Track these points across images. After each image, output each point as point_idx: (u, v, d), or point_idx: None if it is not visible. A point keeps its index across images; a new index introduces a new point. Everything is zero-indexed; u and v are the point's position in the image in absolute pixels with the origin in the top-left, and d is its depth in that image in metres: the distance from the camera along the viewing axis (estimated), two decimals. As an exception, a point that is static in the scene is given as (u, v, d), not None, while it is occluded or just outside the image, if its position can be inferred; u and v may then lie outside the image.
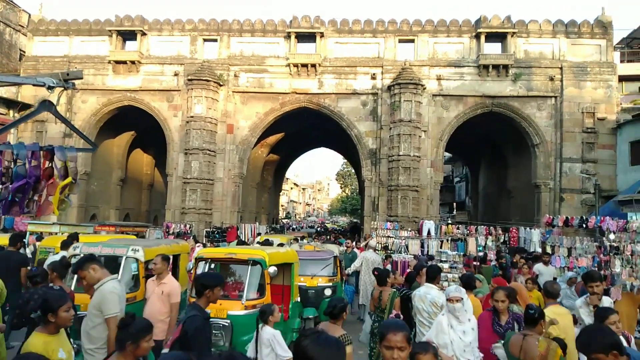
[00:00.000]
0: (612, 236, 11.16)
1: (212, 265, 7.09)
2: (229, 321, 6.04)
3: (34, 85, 3.99)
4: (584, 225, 12.24)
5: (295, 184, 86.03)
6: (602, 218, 11.57)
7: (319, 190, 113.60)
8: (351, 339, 4.11)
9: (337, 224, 65.29)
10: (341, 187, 73.89)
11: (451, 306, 4.55)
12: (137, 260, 6.65)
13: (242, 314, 6.09)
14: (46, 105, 4.30)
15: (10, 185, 3.86)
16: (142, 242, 7.69)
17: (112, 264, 7.04)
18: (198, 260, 6.72)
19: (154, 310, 5.71)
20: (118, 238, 10.82)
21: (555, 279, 8.88)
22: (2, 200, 3.85)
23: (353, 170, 46.60)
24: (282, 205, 63.31)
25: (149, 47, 22.73)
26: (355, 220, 49.58)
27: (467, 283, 5.89)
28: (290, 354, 4.47)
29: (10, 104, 22.00)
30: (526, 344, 3.88)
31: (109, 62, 22.34)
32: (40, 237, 11.83)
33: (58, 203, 4.05)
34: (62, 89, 4.10)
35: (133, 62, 22.19)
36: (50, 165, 4.16)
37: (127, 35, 22.82)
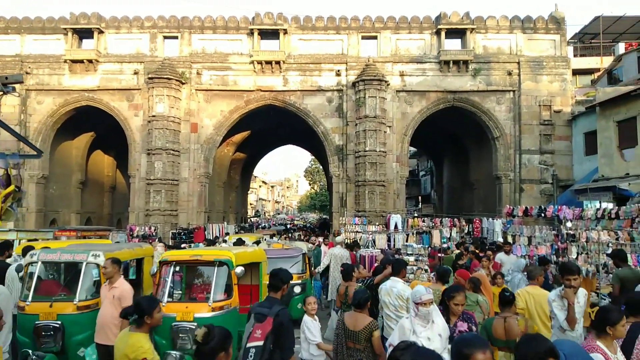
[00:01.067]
0: (569, 224, 11.65)
1: (177, 268, 6.95)
2: (195, 324, 5.95)
3: None
4: (543, 215, 12.71)
5: (263, 181, 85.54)
6: (559, 207, 12.05)
7: (287, 187, 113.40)
8: (378, 325, 4.50)
9: (307, 220, 65.36)
10: (310, 184, 74.03)
11: (423, 310, 4.11)
12: (97, 265, 6.45)
13: (209, 316, 6.01)
14: None
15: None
16: (103, 246, 7.46)
17: (72, 270, 6.83)
18: (163, 263, 6.57)
19: (106, 315, 5.53)
20: (79, 243, 10.47)
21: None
22: None
23: (321, 167, 46.70)
24: (250, 204, 62.82)
25: (107, 46, 22.03)
26: (324, 217, 49.76)
27: (442, 276, 5.99)
28: (319, 339, 5.16)
29: (-42, 106, 20.88)
30: (509, 325, 4.45)
31: (65, 61, 21.53)
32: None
33: (0, 212, 3.89)
34: (1, 93, 3.94)
35: (90, 61, 21.46)
36: None
37: (84, 34, 22.04)
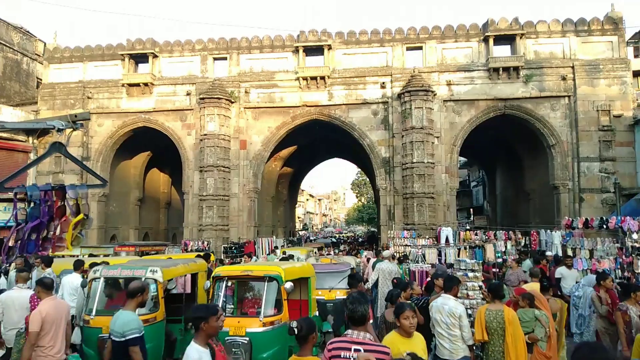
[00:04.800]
0: (634, 236, 10.91)
1: (229, 283, 7.13)
2: (247, 339, 6.06)
3: (43, 129, 4.16)
4: (605, 226, 11.99)
5: (310, 195, 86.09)
6: (622, 218, 11.33)
7: (334, 200, 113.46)
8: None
9: (356, 233, 65.00)
10: (357, 197, 73.68)
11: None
12: (155, 281, 6.72)
13: (260, 331, 6.12)
14: (56, 147, 4.42)
15: (25, 226, 3.98)
16: (160, 262, 7.77)
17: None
18: (215, 278, 6.77)
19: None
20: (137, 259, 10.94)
21: (577, 282, 8.72)
22: (19, 241, 3.97)
23: (368, 179, 46.45)
24: (298, 217, 63.35)
25: (161, 69, 23.18)
26: (372, 229, 49.30)
27: (496, 291, 5.78)
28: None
29: (29, 131, 22.59)
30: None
31: (123, 85, 22.83)
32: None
33: (71, 239, 4.17)
34: (71, 130, 4.23)
35: (146, 84, 22.64)
36: (62, 203, 4.26)
37: (139, 58, 23.32)
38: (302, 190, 64.17)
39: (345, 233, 65.98)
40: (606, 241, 11.48)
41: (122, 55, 22.98)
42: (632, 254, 9.69)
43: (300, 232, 49.23)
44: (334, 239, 44.02)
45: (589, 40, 20.86)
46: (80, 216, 4.23)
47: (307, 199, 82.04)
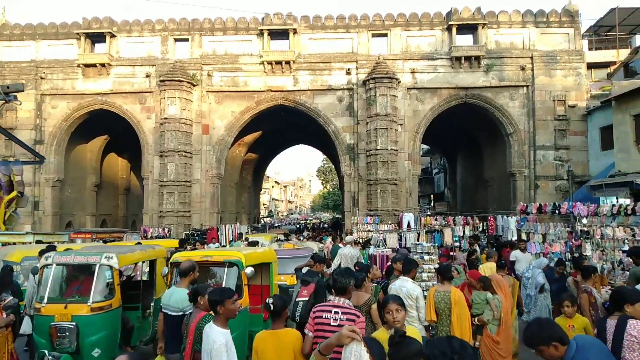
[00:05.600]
0: (584, 221, 11.44)
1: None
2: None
3: None
4: (557, 212, 12.52)
5: (276, 181, 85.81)
6: (573, 204, 11.85)
7: (300, 187, 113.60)
8: (375, 300, 5.35)
9: (321, 219, 65.38)
10: (322, 183, 74.00)
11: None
12: (111, 267, 6.52)
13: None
14: None
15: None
16: (116, 248, 7.54)
17: (85, 272, 6.91)
18: (173, 264, 6.62)
19: None
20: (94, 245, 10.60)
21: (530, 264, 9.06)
22: None
23: (333, 166, 46.66)
24: (263, 204, 63.05)
25: (119, 49, 22.29)
26: (337, 216, 49.71)
27: (444, 273, 5.92)
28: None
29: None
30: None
31: (78, 65, 21.84)
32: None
33: (4, 218, 3.96)
34: (2, 102, 4.00)
35: (103, 65, 21.73)
36: None
37: (96, 38, 22.32)
38: (268, 177, 63.82)
39: (311, 220, 66.29)
40: (558, 225, 12.00)
41: (78, 34, 21.93)
42: (581, 237, 10.17)
43: (265, 219, 49.07)
44: (298, 226, 44.15)
45: (547, 31, 21.49)
46: (14, 193, 4.03)
47: (273, 186, 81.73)
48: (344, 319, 3.75)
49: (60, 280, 6.79)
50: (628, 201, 12.32)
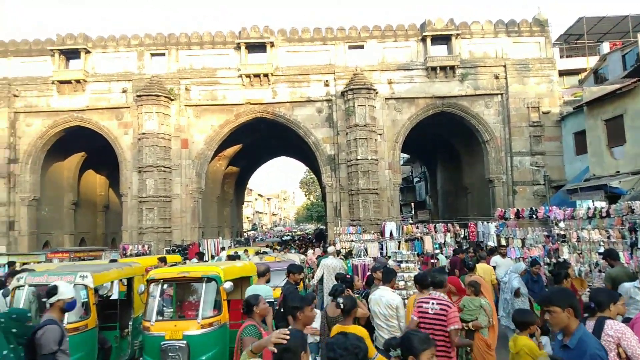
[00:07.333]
0: (562, 224, 11.63)
1: (166, 286, 6.87)
2: (185, 342, 5.87)
3: None
4: (535, 216, 12.71)
5: (259, 194, 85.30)
6: (550, 208, 12.05)
7: (284, 199, 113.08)
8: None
9: (305, 231, 65.14)
10: (306, 195, 73.86)
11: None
12: (86, 286, 6.36)
13: (198, 334, 5.94)
14: None
15: None
16: (92, 267, 7.36)
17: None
18: (150, 282, 6.50)
19: None
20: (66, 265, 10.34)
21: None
22: None
23: (316, 177, 46.68)
24: (247, 217, 62.55)
25: (94, 65, 22.05)
26: (321, 227, 49.62)
27: (421, 281, 5.91)
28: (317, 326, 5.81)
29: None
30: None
31: (53, 82, 21.52)
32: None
33: None
34: None
35: (78, 81, 21.45)
36: None
37: (71, 54, 22.05)
38: (251, 190, 63.43)
39: (296, 232, 65.96)
40: (536, 230, 12.18)
41: (52, 50, 21.64)
42: (558, 241, 10.33)
43: (249, 232, 48.66)
44: (282, 239, 43.87)
45: (519, 40, 22.03)
46: None
47: (256, 199, 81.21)
48: (438, 308, 4.53)
49: (31, 303, 6.59)
50: (603, 204, 12.59)
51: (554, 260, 9.29)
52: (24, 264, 13.24)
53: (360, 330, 4.37)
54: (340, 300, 4.54)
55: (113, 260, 12.29)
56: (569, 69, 27.05)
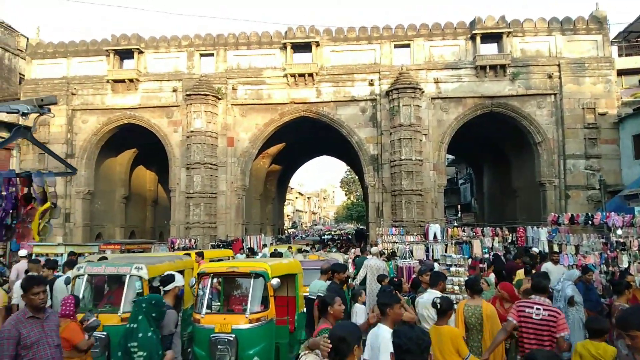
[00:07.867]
0: (619, 232, 11.02)
1: (215, 280, 7.03)
2: (233, 335, 5.98)
3: (7, 112, 3.99)
4: (590, 222, 12.11)
5: (300, 193, 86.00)
6: (607, 214, 11.45)
7: (324, 198, 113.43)
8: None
9: (344, 231, 65.07)
10: (346, 194, 73.78)
11: None
12: (140, 278, 6.60)
13: (246, 328, 6.04)
14: (21, 131, 4.29)
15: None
16: (146, 259, 7.64)
17: (116, 282, 7.04)
18: (201, 275, 6.67)
19: None
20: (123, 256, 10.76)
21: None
22: None
23: (357, 177, 46.51)
24: (287, 215, 63.21)
25: (147, 65, 22.88)
26: (361, 227, 49.40)
27: (472, 286, 5.76)
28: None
29: (11, 127, 22.15)
30: None
31: (108, 81, 22.50)
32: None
33: (38, 229, 4.03)
34: (38, 115, 4.10)
35: (131, 80, 22.33)
36: (28, 191, 4.13)
37: (125, 54, 22.99)
38: (291, 189, 64.03)
39: (335, 231, 66.01)
40: (591, 237, 11.59)
41: (107, 51, 22.63)
42: (617, 249, 9.79)
43: (289, 230, 49.16)
44: (322, 237, 44.03)
45: (574, 38, 21.07)
46: (47, 204, 4.09)
47: (296, 197, 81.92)
48: (547, 315, 4.48)
49: (91, 291, 6.92)
50: (665, 211, 11.85)
51: (612, 269, 8.81)
52: (79, 254, 13.94)
53: (453, 331, 4.54)
54: (438, 300, 4.59)
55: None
56: (629, 68, 25.53)
